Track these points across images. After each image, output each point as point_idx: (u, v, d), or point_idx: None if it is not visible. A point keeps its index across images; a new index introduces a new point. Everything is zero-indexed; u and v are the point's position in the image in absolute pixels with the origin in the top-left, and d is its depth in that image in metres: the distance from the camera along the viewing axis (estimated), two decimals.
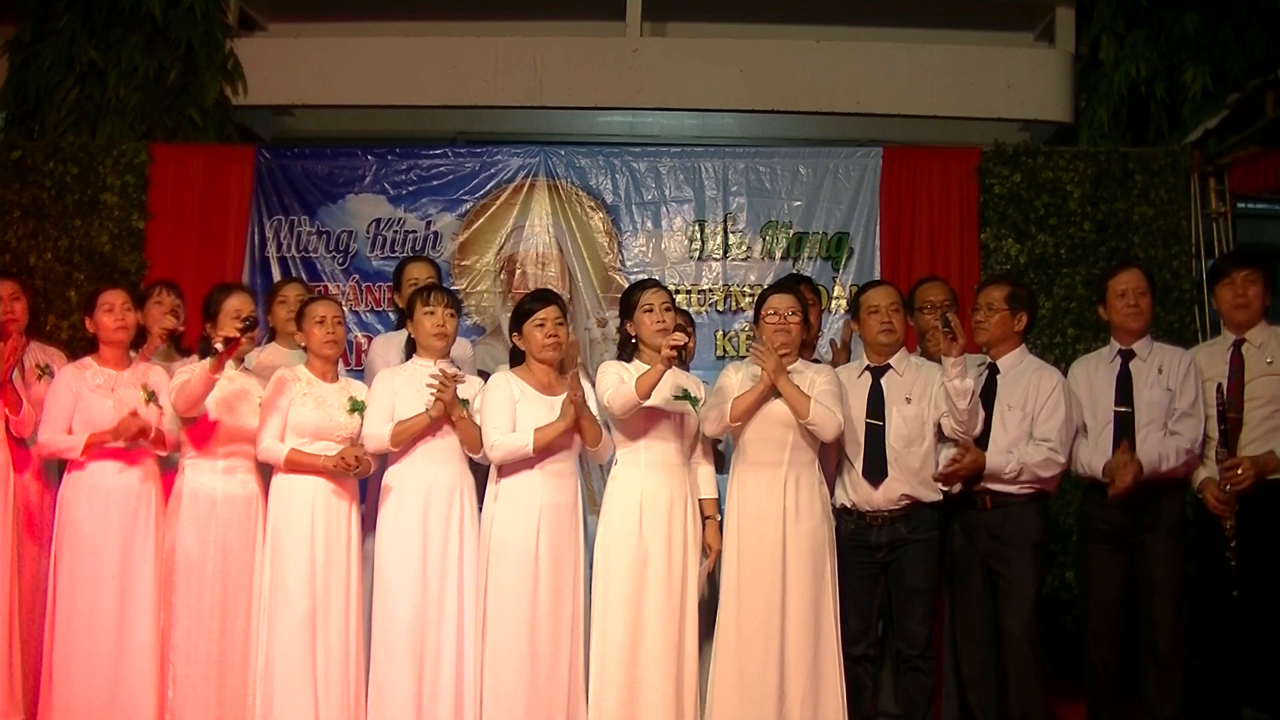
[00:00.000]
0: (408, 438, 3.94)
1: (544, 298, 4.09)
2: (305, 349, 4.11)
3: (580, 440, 3.99)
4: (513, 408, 3.91)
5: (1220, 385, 3.98)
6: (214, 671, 3.91)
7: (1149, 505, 3.96)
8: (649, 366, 3.91)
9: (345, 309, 4.97)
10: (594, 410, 3.99)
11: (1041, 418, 4.01)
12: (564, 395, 3.93)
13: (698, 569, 3.99)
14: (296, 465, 3.93)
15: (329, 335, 4.03)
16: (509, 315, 4.28)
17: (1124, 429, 4.02)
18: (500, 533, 3.90)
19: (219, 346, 3.82)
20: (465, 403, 3.97)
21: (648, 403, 3.86)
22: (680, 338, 3.80)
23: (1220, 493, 3.93)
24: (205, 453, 4.00)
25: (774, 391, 3.90)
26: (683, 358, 3.86)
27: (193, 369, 3.91)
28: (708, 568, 4.02)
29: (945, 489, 4.06)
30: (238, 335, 3.90)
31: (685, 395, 4.00)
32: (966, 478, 4.01)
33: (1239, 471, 3.89)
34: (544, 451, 3.90)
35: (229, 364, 3.94)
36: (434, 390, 3.86)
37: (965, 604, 4.11)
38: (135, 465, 4.05)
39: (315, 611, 3.89)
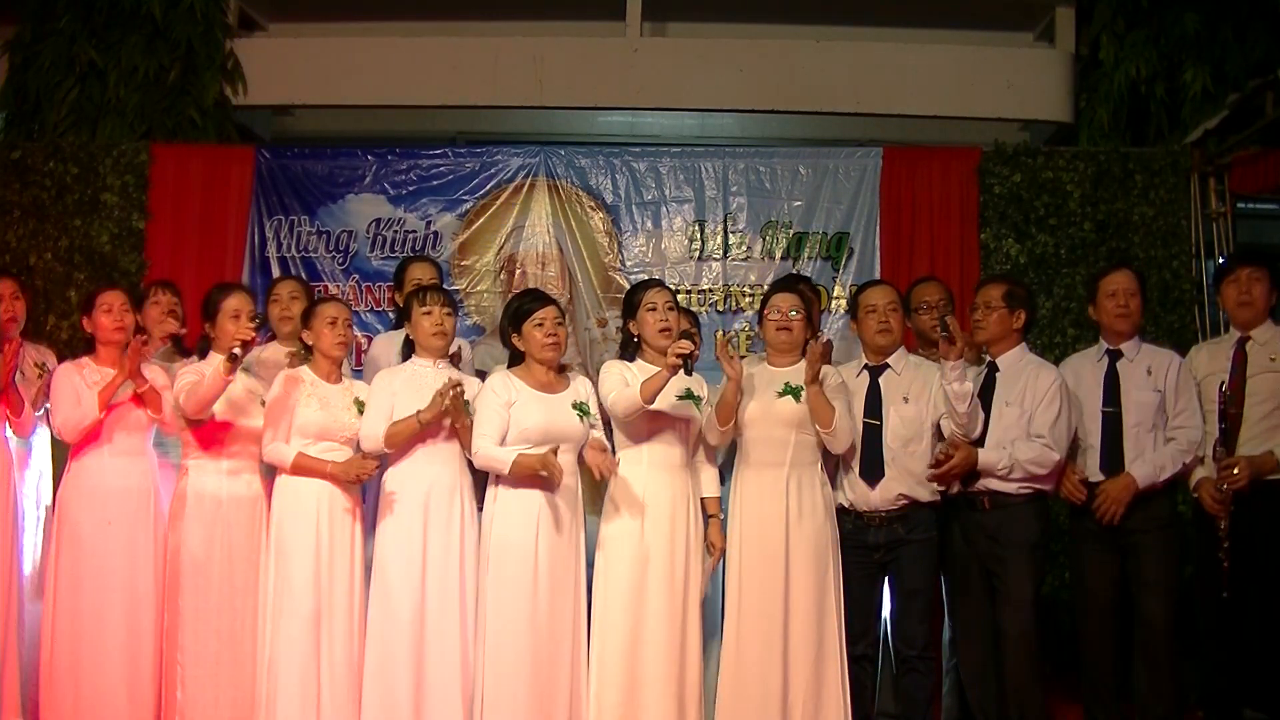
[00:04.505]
0: (401, 440, 3.92)
1: (541, 297, 4.08)
2: (309, 348, 4.09)
3: (578, 440, 3.97)
4: (506, 411, 3.89)
5: (1223, 382, 3.98)
6: (223, 672, 3.91)
7: (1140, 505, 3.96)
8: (651, 366, 3.91)
9: None
10: (594, 411, 3.99)
11: (1038, 413, 4.00)
12: (563, 394, 3.94)
13: (700, 569, 3.99)
14: (303, 469, 3.93)
15: (340, 337, 4.02)
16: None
17: (1112, 430, 4.03)
18: (500, 532, 3.89)
19: (237, 351, 3.81)
20: (468, 404, 3.96)
21: (652, 407, 3.85)
22: (686, 346, 3.76)
23: (1216, 492, 3.93)
24: (210, 453, 3.99)
25: (739, 389, 3.88)
26: (688, 366, 3.83)
27: (203, 371, 3.90)
28: (711, 566, 4.01)
29: (943, 489, 4.06)
30: (253, 336, 3.89)
31: (689, 395, 3.99)
32: (960, 476, 4.00)
33: (1235, 471, 3.90)
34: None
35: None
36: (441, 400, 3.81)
37: (965, 604, 4.11)
38: (135, 466, 4.06)
39: (320, 612, 3.89)
